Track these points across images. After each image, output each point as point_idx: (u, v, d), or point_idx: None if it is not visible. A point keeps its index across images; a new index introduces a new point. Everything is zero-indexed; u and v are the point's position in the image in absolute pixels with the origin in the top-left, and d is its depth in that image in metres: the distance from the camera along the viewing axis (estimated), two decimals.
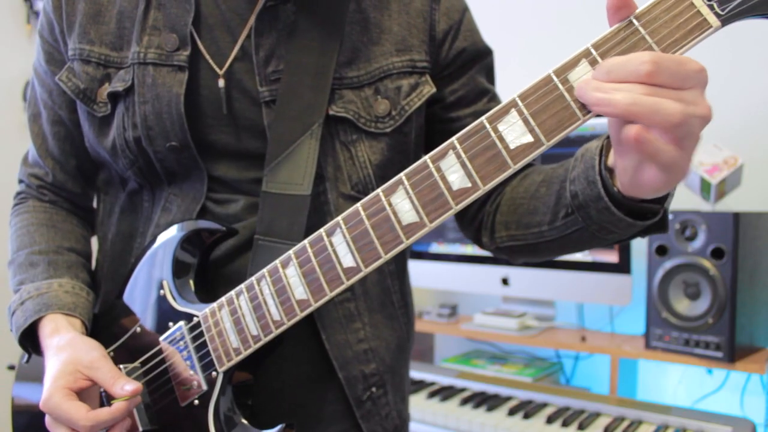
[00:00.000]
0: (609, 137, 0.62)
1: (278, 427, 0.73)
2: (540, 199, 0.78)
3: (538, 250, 0.82)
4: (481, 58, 0.91)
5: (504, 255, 0.89)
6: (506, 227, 0.84)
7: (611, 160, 0.63)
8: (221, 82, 0.80)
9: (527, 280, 2.01)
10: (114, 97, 0.82)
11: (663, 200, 0.64)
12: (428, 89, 0.85)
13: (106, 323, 0.85)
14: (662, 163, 0.52)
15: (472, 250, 2.12)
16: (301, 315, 0.69)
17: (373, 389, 0.86)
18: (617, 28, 0.53)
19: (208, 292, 0.81)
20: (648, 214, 0.65)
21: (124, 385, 0.72)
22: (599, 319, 2.10)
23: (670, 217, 1.68)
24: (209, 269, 0.82)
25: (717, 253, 1.61)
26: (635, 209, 0.64)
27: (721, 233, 1.60)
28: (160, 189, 0.85)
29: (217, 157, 0.82)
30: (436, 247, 2.21)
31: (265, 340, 0.71)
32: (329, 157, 0.82)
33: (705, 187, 1.71)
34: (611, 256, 1.85)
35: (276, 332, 0.70)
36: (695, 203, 1.79)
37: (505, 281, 2.06)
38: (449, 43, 0.87)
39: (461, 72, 0.89)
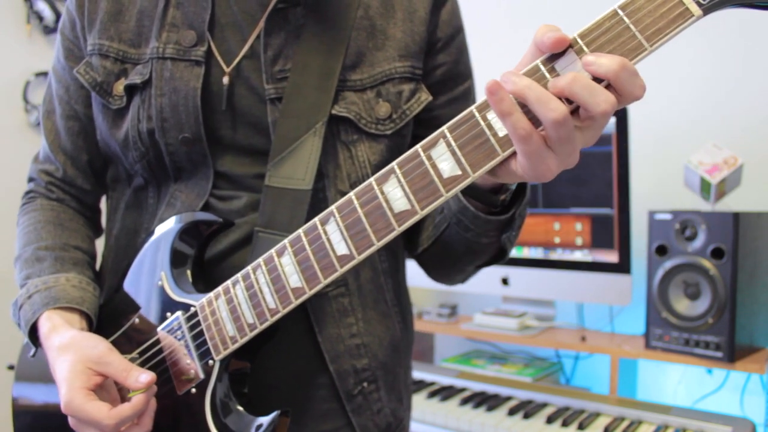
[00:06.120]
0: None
1: (273, 414, 0.73)
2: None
3: (438, 261, 0.89)
4: (459, 81, 0.91)
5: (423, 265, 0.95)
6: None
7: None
8: (225, 80, 0.83)
9: (527, 280, 2.01)
10: (131, 90, 0.84)
11: (512, 221, 0.74)
12: (425, 96, 0.87)
13: (107, 313, 0.87)
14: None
15: None
16: (296, 303, 0.70)
17: (365, 384, 0.87)
18: (603, 18, 0.54)
19: (206, 285, 0.82)
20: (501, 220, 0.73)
21: (138, 377, 0.73)
22: (599, 319, 2.10)
23: (670, 216, 1.68)
24: (206, 261, 0.84)
25: (717, 253, 1.61)
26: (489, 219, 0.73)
27: (721, 233, 1.60)
28: (165, 185, 0.87)
29: (223, 152, 0.84)
30: None
31: (260, 327, 0.72)
32: (330, 155, 0.84)
33: (705, 187, 1.71)
34: (611, 256, 1.85)
35: (271, 320, 0.72)
36: (695, 203, 1.78)
37: (505, 281, 2.06)
38: (434, 54, 0.88)
39: (439, 89, 0.89)
